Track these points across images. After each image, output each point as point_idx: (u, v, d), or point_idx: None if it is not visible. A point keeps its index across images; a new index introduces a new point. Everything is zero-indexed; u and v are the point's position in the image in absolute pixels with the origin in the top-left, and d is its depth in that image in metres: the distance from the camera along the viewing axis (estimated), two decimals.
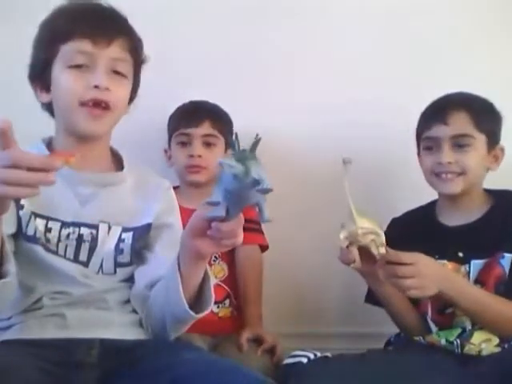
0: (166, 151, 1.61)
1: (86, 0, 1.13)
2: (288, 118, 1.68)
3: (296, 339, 1.49)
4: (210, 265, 1.50)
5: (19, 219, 1.06)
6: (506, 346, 1.24)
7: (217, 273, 1.51)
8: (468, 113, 1.33)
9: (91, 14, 1.10)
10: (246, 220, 1.50)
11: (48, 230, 1.07)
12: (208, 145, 1.54)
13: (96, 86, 1.07)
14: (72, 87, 1.07)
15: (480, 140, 1.34)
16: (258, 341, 1.40)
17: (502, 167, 1.40)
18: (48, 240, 1.07)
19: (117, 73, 1.10)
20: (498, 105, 1.39)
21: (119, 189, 1.15)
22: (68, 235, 1.08)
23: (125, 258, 1.12)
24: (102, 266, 1.10)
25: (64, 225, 1.08)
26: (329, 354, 1.25)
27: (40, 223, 1.07)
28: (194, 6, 1.66)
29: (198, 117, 1.53)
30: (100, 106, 1.07)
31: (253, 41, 1.67)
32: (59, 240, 1.08)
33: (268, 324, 1.50)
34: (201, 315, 1.03)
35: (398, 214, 1.49)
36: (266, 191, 0.80)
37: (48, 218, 1.08)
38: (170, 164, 1.60)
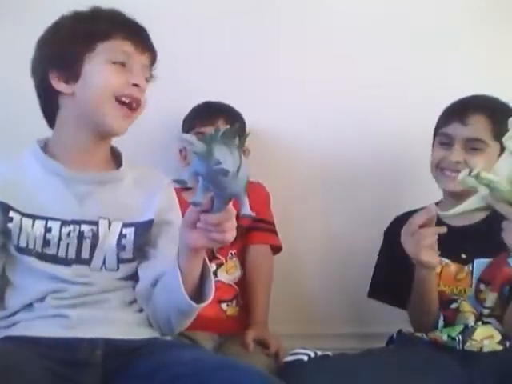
0: (181, 151, 1.62)
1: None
2: (292, 117, 1.69)
3: (297, 339, 1.49)
4: (226, 260, 1.52)
5: (9, 232, 1.07)
6: (507, 343, 1.25)
7: (228, 269, 1.52)
8: (488, 119, 1.33)
9: (129, 19, 1.15)
10: (258, 220, 1.54)
11: (48, 229, 1.07)
12: None
13: (135, 85, 1.11)
14: (111, 80, 1.10)
15: (493, 148, 1.33)
16: (262, 343, 1.40)
17: None
18: (47, 243, 1.07)
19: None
20: None
21: (118, 186, 1.16)
22: (69, 233, 1.08)
23: (127, 254, 1.12)
24: (104, 262, 1.10)
25: (64, 223, 1.08)
26: (329, 353, 1.25)
27: (39, 225, 1.07)
28: (192, 7, 1.67)
29: (212, 115, 1.54)
30: (132, 105, 1.11)
31: (253, 41, 1.68)
32: (60, 239, 1.08)
33: (270, 324, 1.50)
34: (202, 305, 1.04)
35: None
36: (222, 171, 0.79)
37: (47, 219, 1.08)
38: (185, 164, 1.60)
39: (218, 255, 1.50)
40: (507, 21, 1.72)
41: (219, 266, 1.50)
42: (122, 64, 1.11)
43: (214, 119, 1.53)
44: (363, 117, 1.69)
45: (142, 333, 1.09)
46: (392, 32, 1.70)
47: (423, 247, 1.21)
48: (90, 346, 1.02)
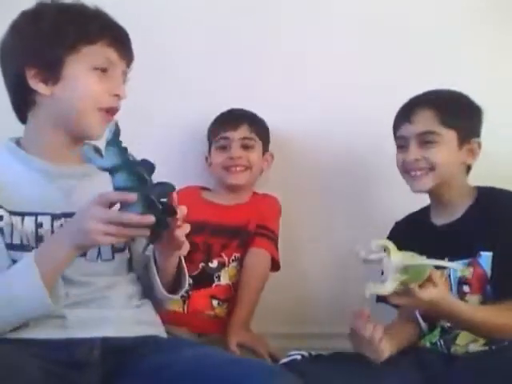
0: (206, 158, 1.66)
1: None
2: (292, 116, 1.70)
3: (295, 339, 1.50)
4: (229, 262, 1.54)
5: (1, 229, 1.05)
6: (493, 347, 1.23)
7: (231, 274, 1.54)
8: (432, 110, 1.33)
9: (116, 24, 1.13)
10: (264, 227, 1.56)
11: (39, 225, 1.07)
12: (246, 147, 1.59)
13: (117, 95, 1.11)
14: (94, 89, 1.09)
15: (448, 136, 1.33)
16: (246, 347, 1.40)
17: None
18: (40, 238, 1.06)
19: None
20: (493, 101, 1.39)
21: (104, 178, 1.15)
22: (61, 226, 1.07)
23: (120, 243, 1.12)
24: (99, 252, 1.11)
25: (54, 217, 1.08)
26: (323, 353, 1.26)
27: (29, 221, 1.06)
28: (194, 6, 1.68)
29: (235, 121, 1.59)
30: (110, 112, 1.11)
31: (253, 40, 1.70)
32: (53, 232, 1.07)
33: (267, 324, 1.50)
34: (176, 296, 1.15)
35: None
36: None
37: (37, 214, 1.07)
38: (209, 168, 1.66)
39: (222, 253, 1.53)
40: (507, 21, 1.71)
41: (221, 265, 1.53)
42: (104, 70, 1.10)
43: (238, 123, 1.58)
44: (363, 116, 1.69)
45: (140, 330, 1.10)
46: (392, 32, 1.70)
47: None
48: (88, 345, 1.03)
